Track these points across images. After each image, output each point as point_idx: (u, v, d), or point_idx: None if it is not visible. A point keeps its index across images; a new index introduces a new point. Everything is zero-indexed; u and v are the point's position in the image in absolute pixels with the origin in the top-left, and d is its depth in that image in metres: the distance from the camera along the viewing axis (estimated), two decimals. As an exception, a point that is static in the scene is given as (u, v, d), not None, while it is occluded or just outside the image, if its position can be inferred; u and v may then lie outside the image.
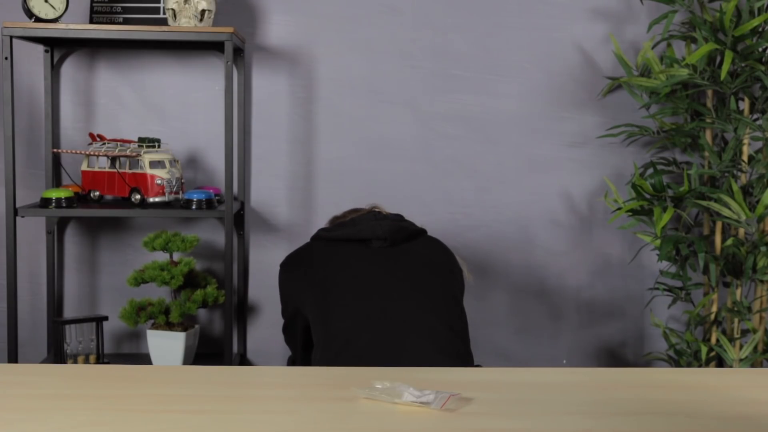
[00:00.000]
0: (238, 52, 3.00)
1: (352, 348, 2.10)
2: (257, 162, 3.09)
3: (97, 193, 2.86)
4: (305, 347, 2.36)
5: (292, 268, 2.35)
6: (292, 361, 2.45)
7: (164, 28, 2.67)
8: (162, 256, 3.05)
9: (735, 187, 2.71)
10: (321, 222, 3.09)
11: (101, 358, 2.91)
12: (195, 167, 3.08)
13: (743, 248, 2.78)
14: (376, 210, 2.49)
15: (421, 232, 2.43)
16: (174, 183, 2.80)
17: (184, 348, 2.79)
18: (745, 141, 2.89)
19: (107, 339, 3.09)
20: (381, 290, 2.20)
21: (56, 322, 2.87)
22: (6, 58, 2.63)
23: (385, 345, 2.10)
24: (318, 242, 2.37)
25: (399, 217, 2.43)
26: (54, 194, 2.71)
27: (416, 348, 2.10)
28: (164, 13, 2.88)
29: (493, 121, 3.11)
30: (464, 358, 2.16)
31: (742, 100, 2.94)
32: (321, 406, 1.49)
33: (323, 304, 2.20)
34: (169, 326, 2.82)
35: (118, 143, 2.84)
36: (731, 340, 2.86)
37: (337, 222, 2.49)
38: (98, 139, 2.90)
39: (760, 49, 2.76)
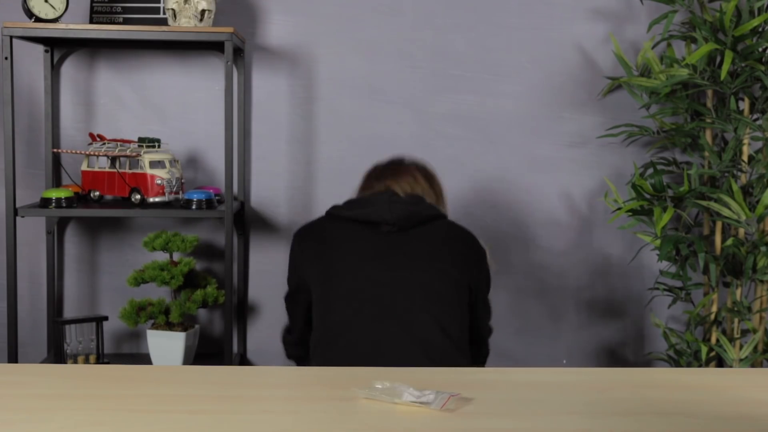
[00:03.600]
0: (238, 52, 3.00)
1: (343, 340, 2.12)
2: (257, 162, 3.09)
3: (97, 193, 2.86)
4: (307, 323, 2.33)
5: (303, 239, 2.27)
6: (288, 331, 2.40)
7: (164, 28, 2.67)
8: (162, 256, 3.04)
9: (735, 187, 2.71)
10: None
11: (101, 358, 2.91)
12: (195, 167, 3.08)
13: (743, 248, 2.78)
14: (392, 189, 2.37)
15: (438, 216, 2.29)
16: (174, 183, 2.80)
17: (184, 348, 2.79)
18: (745, 141, 2.88)
19: (107, 339, 3.09)
20: (379, 280, 2.18)
21: (56, 322, 2.87)
22: (6, 58, 2.63)
23: (372, 339, 2.11)
24: (330, 219, 2.30)
25: (416, 200, 2.29)
26: (54, 194, 2.71)
27: (401, 344, 2.10)
28: (164, 13, 2.88)
29: (493, 121, 3.11)
30: (452, 358, 2.14)
31: (742, 100, 2.94)
32: (321, 406, 1.49)
33: (323, 289, 2.19)
34: (169, 326, 2.82)
35: (118, 143, 2.84)
36: (731, 340, 2.85)
37: (351, 200, 2.39)
38: (98, 139, 2.90)
39: (760, 49, 2.76)
